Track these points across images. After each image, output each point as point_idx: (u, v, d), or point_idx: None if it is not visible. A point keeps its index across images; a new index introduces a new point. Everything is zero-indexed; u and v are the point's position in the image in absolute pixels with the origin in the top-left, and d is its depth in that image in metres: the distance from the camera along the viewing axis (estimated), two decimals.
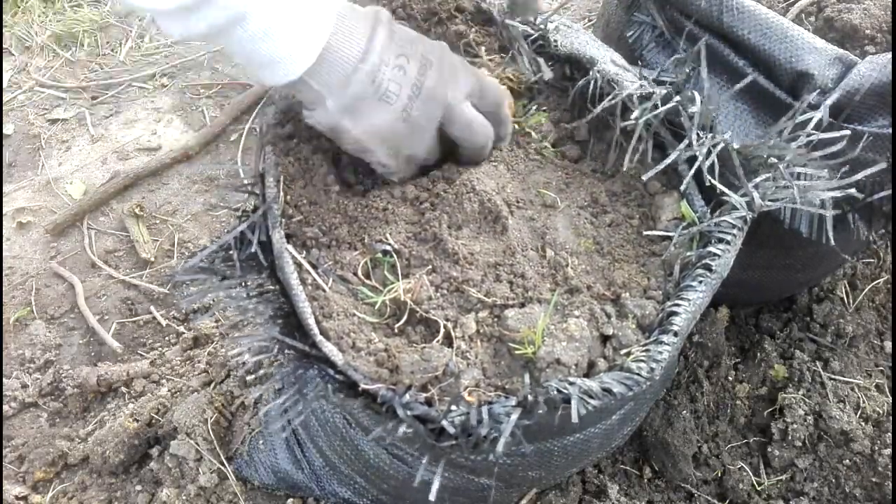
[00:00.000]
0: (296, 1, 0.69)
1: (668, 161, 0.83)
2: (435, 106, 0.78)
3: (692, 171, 0.83)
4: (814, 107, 0.95)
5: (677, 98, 0.84)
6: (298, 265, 0.80)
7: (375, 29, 0.74)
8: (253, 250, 0.79)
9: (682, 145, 0.83)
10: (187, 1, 0.63)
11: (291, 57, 0.70)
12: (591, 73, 0.92)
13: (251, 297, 0.77)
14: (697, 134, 0.82)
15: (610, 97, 0.88)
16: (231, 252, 0.79)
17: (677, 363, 1.24)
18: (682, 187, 0.84)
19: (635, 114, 0.84)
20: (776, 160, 0.79)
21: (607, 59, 0.93)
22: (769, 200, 0.78)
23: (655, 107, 0.84)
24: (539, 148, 0.96)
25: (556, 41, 0.98)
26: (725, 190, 0.80)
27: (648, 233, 0.86)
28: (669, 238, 0.84)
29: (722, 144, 0.81)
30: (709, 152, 0.81)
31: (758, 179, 0.80)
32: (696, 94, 0.84)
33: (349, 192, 0.90)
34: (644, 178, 0.86)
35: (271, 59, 0.70)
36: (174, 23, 0.66)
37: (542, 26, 0.99)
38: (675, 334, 0.74)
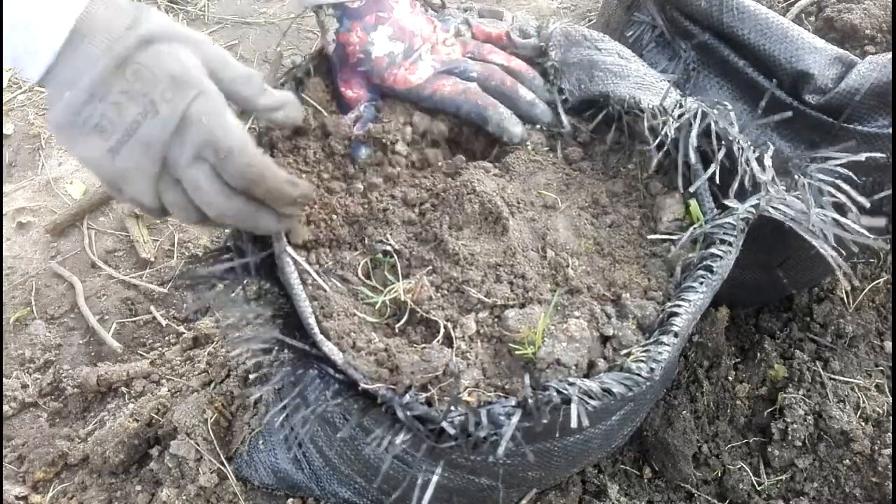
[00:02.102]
0: None
1: (707, 175, 0.83)
2: (148, 159, 0.68)
3: (708, 173, 0.83)
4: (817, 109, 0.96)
5: (711, 114, 0.84)
6: (298, 265, 0.80)
7: (100, 59, 0.65)
8: (253, 251, 0.79)
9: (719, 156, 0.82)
10: None
11: (51, 18, 0.63)
12: (609, 106, 0.93)
13: (251, 298, 0.77)
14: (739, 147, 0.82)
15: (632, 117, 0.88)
16: (231, 254, 0.79)
17: (677, 363, 1.24)
18: (693, 188, 0.84)
19: (671, 132, 0.84)
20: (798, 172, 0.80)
21: (619, 83, 0.93)
22: (773, 207, 0.79)
23: (689, 123, 0.84)
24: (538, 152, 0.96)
25: (564, 89, 0.98)
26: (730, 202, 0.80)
27: (652, 237, 0.86)
28: (670, 239, 0.84)
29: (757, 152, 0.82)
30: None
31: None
32: (728, 109, 0.84)
33: (351, 191, 0.90)
34: (692, 189, 0.84)
35: (30, 23, 0.62)
36: None
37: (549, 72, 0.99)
38: (676, 335, 0.74)
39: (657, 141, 0.86)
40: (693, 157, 0.83)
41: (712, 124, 0.83)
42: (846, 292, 1.37)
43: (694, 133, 0.82)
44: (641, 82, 0.94)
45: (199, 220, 0.73)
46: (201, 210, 0.71)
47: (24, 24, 0.63)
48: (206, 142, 0.68)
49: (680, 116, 0.84)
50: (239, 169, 0.69)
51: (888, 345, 1.33)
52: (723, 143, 0.82)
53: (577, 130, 0.97)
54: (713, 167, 0.82)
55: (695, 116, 0.83)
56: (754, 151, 0.82)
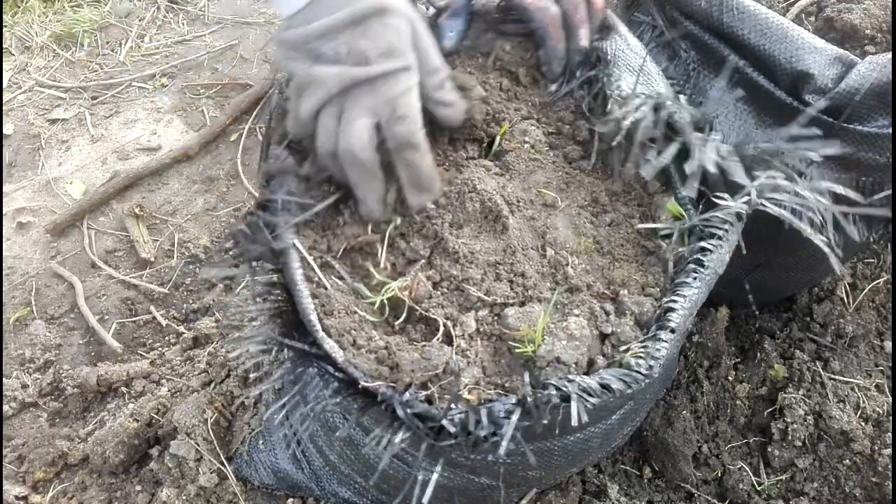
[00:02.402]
0: None
1: (662, 162, 0.83)
2: (332, 81, 0.80)
3: (695, 171, 0.83)
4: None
5: (669, 104, 0.84)
6: (304, 261, 0.80)
7: (341, 8, 0.78)
8: (254, 250, 0.79)
9: (672, 148, 0.82)
10: None
11: None
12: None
13: (251, 296, 0.77)
14: (695, 136, 0.82)
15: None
16: (236, 251, 0.79)
17: (677, 363, 1.24)
18: (647, 173, 0.85)
19: (625, 120, 0.84)
20: (780, 162, 0.80)
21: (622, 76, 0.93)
22: (765, 199, 0.78)
23: (656, 112, 0.84)
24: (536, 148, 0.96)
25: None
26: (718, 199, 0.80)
27: (641, 226, 0.86)
28: (664, 235, 0.85)
29: (717, 146, 0.81)
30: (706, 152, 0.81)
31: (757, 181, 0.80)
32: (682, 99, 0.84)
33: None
34: (645, 175, 0.85)
35: None
36: None
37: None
38: (672, 330, 0.74)
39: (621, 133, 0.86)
40: (644, 148, 0.84)
41: (668, 114, 0.83)
42: (846, 292, 1.37)
43: (643, 124, 0.83)
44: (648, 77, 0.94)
45: (329, 150, 0.82)
46: (338, 143, 0.81)
47: None
48: (388, 101, 0.79)
49: (638, 107, 0.84)
50: (401, 133, 0.80)
51: (888, 345, 1.33)
52: (678, 134, 0.82)
53: (576, 129, 0.97)
54: (665, 156, 0.82)
55: (650, 107, 0.84)
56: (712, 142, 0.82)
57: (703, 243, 0.78)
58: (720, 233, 0.78)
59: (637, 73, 0.90)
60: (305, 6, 0.80)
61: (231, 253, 0.79)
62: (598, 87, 0.93)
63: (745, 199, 0.79)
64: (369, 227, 0.86)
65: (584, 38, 0.97)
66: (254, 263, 0.78)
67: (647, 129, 0.83)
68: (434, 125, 0.91)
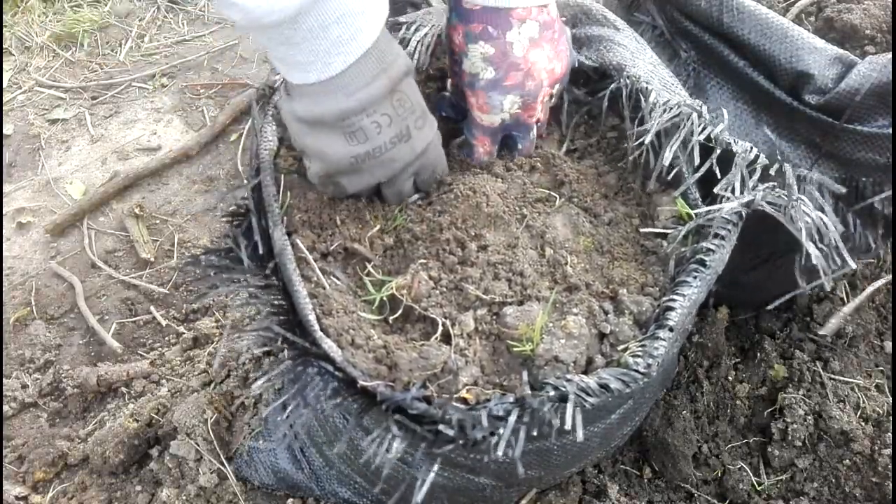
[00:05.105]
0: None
1: (693, 178, 0.83)
2: (384, 171, 0.82)
3: (698, 172, 0.83)
4: (817, 109, 0.96)
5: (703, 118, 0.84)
6: (301, 261, 0.80)
7: (378, 77, 0.74)
8: (250, 250, 0.79)
9: (673, 145, 0.82)
10: None
11: (355, 40, 0.71)
12: (621, 79, 0.91)
13: (255, 293, 0.77)
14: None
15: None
16: (231, 254, 0.79)
17: (677, 363, 1.24)
18: (678, 192, 0.85)
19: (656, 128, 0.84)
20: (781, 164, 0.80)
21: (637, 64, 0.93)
22: (767, 201, 0.79)
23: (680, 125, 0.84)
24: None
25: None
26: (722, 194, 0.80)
27: (645, 230, 0.86)
28: (665, 235, 0.85)
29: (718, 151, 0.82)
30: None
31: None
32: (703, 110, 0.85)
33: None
34: (676, 192, 0.85)
35: (339, 39, 0.70)
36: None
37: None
38: (671, 329, 0.74)
39: (648, 136, 0.86)
40: (669, 157, 0.84)
41: (704, 129, 0.83)
42: (846, 292, 1.37)
43: (682, 133, 0.83)
44: (654, 69, 0.94)
45: (367, 194, 0.87)
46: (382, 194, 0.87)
47: (337, 39, 0.71)
48: (429, 167, 0.86)
49: (675, 116, 0.84)
50: (431, 178, 0.88)
51: (888, 345, 1.33)
52: (717, 147, 0.83)
53: (575, 130, 0.97)
54: (701, 170, 0.82)
55: (689, 119, 0.84)
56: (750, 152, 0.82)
57: (706, 243, 0.78)
58: (723, 232, 0.79)
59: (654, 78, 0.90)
60: (342, 73, 0.73)
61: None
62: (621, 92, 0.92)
63: (748, 199, 0.79)
64: (369, 227, 0.86)
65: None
66: (248, 265, 0.78)
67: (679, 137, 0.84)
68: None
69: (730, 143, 0.83)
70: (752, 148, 0.82)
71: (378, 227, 0.86)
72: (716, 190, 0.81)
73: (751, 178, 0.81)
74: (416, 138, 0.80)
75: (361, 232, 0.85)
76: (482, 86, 0.86)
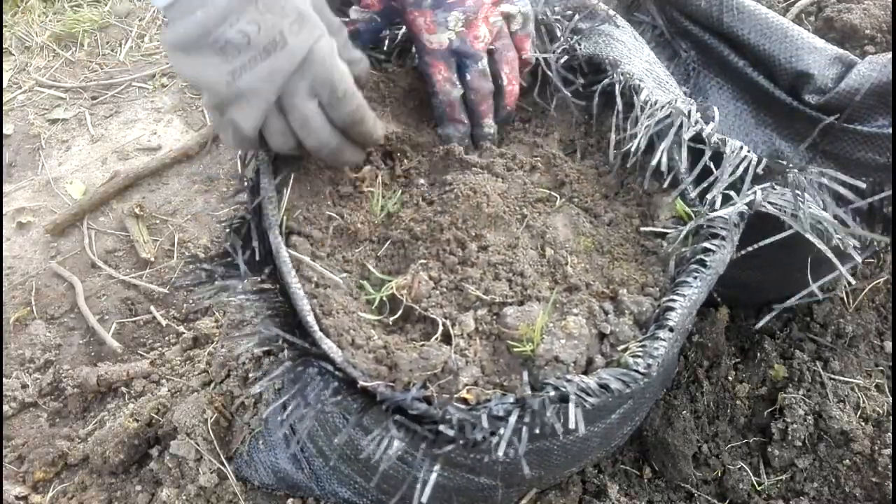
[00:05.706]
0: None
1: (690, 178, 0.83)
2: (270, 85, 0.73)
3: (693, 172, 0.83)
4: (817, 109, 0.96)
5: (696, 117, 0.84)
6: (299, 262, 0.80)
7: None
8: (249, 251, 0.79)
9: (664, 145, 0.82)
10: None
11: None
12: (614, 74, 0.92)
13: (251, 297, 0.77)
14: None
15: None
16: (229, 258, 0.79)
17: (677, 363, 1.24)
18: (676, 193, 0.85)
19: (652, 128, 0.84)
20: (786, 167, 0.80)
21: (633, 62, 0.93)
22: (769, 202, 0.79)
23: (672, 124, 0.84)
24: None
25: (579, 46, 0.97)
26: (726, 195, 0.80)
27: (645, 229, 0.86)
28: (665, 235, 0.85)
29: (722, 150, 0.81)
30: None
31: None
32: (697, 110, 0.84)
33: (350, 185, 0.90)
34: (674, 193, 0.85)
35: None
36: None
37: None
38: (671, 329, 0.74)
39: (643, 134, 0.86)
40: (665, 158, 0.84)
41: (695, 129, 0.83)
42: (846, 292, 1.37)
43: (672, 134, 0.83)
44: (650, 68, 0.94)
45: (292, 147, 0.79)
46: (298, 139, 0.78)
47: None
48: (324, 81, 0.75)
49: (667, 116, 0.84)
50: (347, 110, 0.78)
51: (888, 345, 1.33)
52: (709, 146, 0.83)
53: (575, 130, 0.97)
54: (696, 171, 0.82)
55: (680, 118, 0.84)
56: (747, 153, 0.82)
57: (706, 243, 0.78)
58: (724, 233, 0.78)
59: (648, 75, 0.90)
60: None
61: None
62: (610, 88, 0.93)
63: (749, 199, 0.79)
64: (367, 229, 0.86)
65: (488, 126, 0.96)
66: (244, 271, 0.78)
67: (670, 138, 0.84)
68: None
69: (718, 143, 0.83)
70: (742, 147, 0.82)
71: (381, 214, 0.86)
72: (714, 191, 0.81)
73: (749, 177, 0.81)
74: (294, 44, 0.72)
75: (363, 222, 0.86)
76: (429, 4, 0.88)
